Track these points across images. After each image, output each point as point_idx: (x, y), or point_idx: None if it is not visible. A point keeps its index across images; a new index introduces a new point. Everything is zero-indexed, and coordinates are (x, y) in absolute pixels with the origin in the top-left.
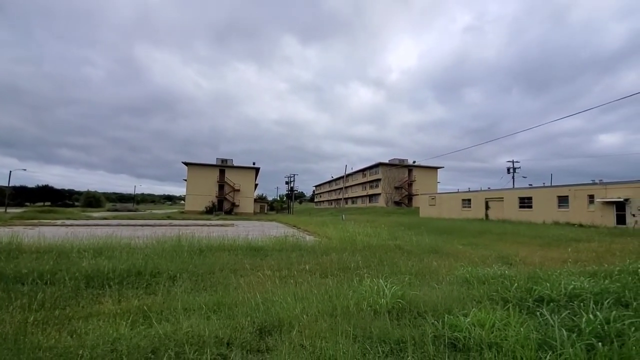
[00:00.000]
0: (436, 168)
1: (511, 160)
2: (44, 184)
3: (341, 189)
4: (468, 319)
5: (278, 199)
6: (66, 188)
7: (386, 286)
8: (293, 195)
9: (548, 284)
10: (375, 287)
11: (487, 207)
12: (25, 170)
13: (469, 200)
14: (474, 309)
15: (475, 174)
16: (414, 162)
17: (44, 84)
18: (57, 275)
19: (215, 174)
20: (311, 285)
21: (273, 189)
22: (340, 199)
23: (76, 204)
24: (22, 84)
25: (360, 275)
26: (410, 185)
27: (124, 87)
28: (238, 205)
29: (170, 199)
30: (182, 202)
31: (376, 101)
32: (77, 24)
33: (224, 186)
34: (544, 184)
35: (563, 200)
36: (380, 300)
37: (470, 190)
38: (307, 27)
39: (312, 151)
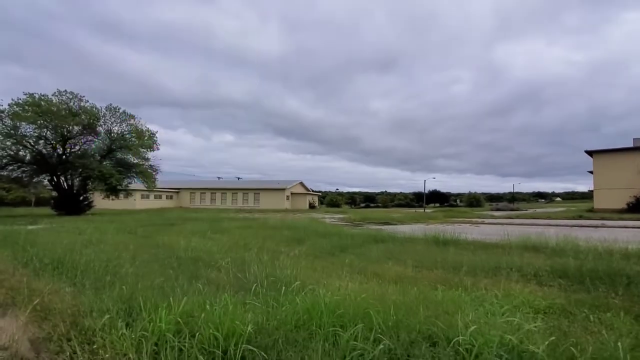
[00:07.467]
0: None
1: None
2: (429, 189)
3: None
4: None
5: None
6: (443, 191)
7: None
8: None
9: None
10: None
11: None
12: (434, 178)
13: None
14: None
15: None
16: None
17: (423, 111)
18: None
19: (636, 160)
20: None
21: None
22: None
23: (459, 204)
24: (409, 115)
25: None
26: None
27: (485, 93)
28: None
29: (542, 196)
30: (558, 199)
31: None
32: (445, 50)
33: None
34: None
35: None
36: None
37: None
38: None
39: None
